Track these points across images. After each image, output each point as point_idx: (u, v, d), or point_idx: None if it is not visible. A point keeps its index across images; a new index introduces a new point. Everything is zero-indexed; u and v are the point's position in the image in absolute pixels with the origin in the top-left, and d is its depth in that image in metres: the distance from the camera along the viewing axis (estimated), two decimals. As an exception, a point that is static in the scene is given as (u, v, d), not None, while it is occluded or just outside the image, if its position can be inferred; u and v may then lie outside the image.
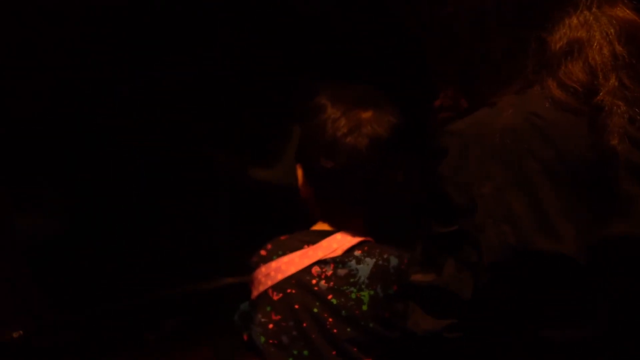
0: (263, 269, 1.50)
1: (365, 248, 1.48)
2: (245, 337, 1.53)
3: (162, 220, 2.82)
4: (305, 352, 1.44)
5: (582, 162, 1.10)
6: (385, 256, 1.47)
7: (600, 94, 1.11)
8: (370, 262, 1.46)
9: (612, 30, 1.15)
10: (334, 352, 1.43)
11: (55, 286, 2.54)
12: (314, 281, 1.45)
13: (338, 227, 1.52)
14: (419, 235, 1.39)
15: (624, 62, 1.13)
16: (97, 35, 2.54)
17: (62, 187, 2.71)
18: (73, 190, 2.76)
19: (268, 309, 1.48)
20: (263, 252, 1.53)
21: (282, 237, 1.54)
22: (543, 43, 1.16)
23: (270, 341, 1.46)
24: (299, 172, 1.57)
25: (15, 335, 2.00)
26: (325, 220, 1.54)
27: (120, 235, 2.72)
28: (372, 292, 1.44)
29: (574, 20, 1.16)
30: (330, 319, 1.43)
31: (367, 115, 1.47)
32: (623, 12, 1.17)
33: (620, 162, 1.10)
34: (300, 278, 1.46)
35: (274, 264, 1.49)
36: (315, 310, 1.44)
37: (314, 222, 1.56)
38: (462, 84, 1.34)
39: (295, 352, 1.44)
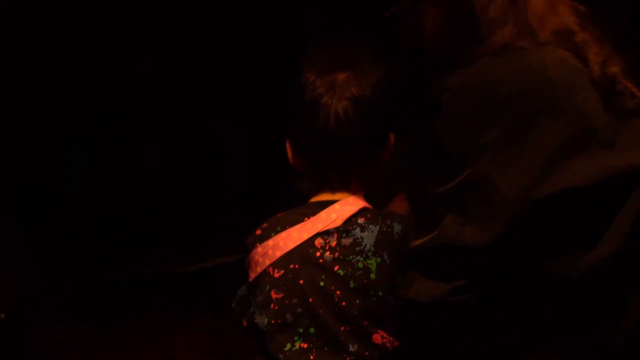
0: (260, 249, 1.43)
1: (368, 215, 1.42)
2: (244, 324, 1.45)
3: (157, 195, 2.83)
4: (312, 330, 1.36)
5: (576, 96, 1.18)
6: (388, 222, 1.41)
7: (578, 34, 1.24)
8: (374, 229, 1.40)
9: None
10: (342, 328, 1.36)
11: (44, 264, 2.54)
12: (317, 253, 1.39)
13: (335, 196, 1.46)
14: (412, 202, 1.38)
15: (579, 11, 1.28)
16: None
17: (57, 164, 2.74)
18: (68, 166, 2.78)
19: (267, 288, 1.40)
20: (259, 232, 1.46)
21: (279, 214, 1.47)
22: (524, 8, 1.26)
23: (273, 321, 1.38)
24: (287, 145, 1.51)
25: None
26: (321, 191, 1.48)
27: (109, 213, 2.73)
28: (379, 260, 1.38)
29: None
30: (338, 292, 1.36)
31: (343, 76, 1.43)
32: None
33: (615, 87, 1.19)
34: (303, 251, 1.39)
35: (270, 242, 1.42)
36: (322, 283, 1.37)
37: (311, 195, 1.50)
38: (439, 45, 1.35)
39: (300, 330, 1.37)
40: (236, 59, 2.98)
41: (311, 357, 1.36)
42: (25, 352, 2.47)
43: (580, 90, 1.18)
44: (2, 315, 1.94)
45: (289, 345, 1.37)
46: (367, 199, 1.47)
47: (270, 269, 1.40)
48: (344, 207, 1.42)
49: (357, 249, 1.38)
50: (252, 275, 1.44)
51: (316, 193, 1.49)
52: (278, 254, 1.40)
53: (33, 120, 2.73)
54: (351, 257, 1.38)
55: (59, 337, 2.55)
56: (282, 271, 1.39)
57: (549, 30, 1.25)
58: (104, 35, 2.81)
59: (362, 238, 1.39)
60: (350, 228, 1.40)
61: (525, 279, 1.17)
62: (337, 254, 1.38)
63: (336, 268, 1.37)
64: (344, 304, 1.36)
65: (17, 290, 2.57)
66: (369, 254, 1.38)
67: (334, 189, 1.46)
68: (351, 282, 1.36)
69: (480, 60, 1.22)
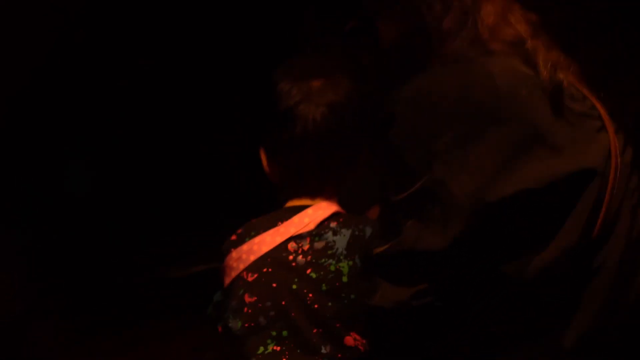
0: (234, 254, 1.45)
1: (340, 219, 1.44)
2: (220, 329, 1.46)
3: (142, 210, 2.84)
4: (285, 332, 1.38)
5: (523, 103, 1.19)
6: (360, 226, 1.43)
7: (528, 42, 1.27)
8: (346, 232, 1.41)
9: (506, 2, 1.32)
10: (314, 330, 1.37)
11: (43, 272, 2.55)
12: (290, 257, 1.40)
13: (310, 201, 1.47)
14: (379, 208, 1.40)
15: (530, 19, 1.32)
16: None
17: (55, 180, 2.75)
18: (68, 166, 2.79)
19: (241, 292, 1.42)
20: (233, 237, 1.48)
21: (253, 220, 1.49)
22: (474, 19, 1.29)
23: (247, 325, 1.40)
24: (262, 155, 1.53)
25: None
26: (296, 197, 1.49)
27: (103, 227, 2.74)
28: (350, 263, 1.39)
29: None
30: (311, 294, 1.38)
31: (318, 83, 1.44)
32: None
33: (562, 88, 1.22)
34: (276, 255, 1.41)
35: (245, 247, 1.43)
36: (294, 286, 1.38)
37: (286, 202, 1.51)
38: (395, 57, 1.39)
39: (273, 333, 1.38)
40: (236, 59, 2.99)
41: (283, 359, 1.37)
42: (25, 352, 2.49)
43: (527, 97, 1.20)
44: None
45: (261, 349, 1.39)
46: (341, 205, 1.48)
47: (245, 273, 1.42)
48: (317, 211, 1.43)
49: (330, 252, 1.40)
50: (227, 280, 1.45)
51: (291, 199, 1.50)
52: (252, 258, 1.41)
53: (33, 120, 2.76)
54: (323, 260, 1.39)
55: (59, 338, 2.58)
56: (255, 275, 1.41)
57: (500, 40, 1.27)
58: (104, 35, 2.83)
59: (334, 241, 1.40)
60: (322, 232, 1.41)
61: (483, 281, 1.19)
62: (309, 257, 1.39)
63: (309, 271, 1.39)
64: (316, 306, 1.37)
65: (17, 290, 2.59)
66: (341, 257, 1.39)
67: (308, 195, 1.48)
68: (323, 284, 1.38)
69: (430, 71, 1.26)
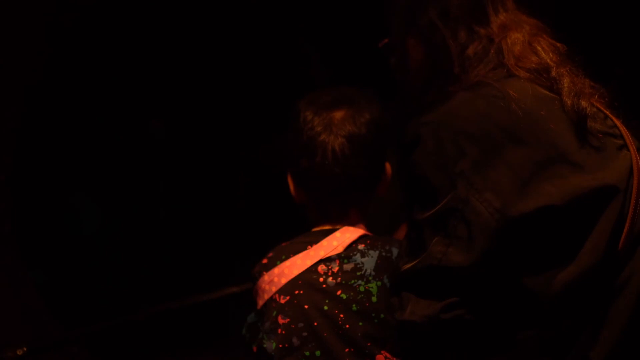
0: (266, 277, 1.50)
1: (368, 242, 1.49)
2: (254, 349, 1.51)
3: (165, 230, 2.85)
4: (317, 353, 1.43)
5: (543, 124, 1.24)
6: (387, 247, 1.48)
7: (554, 70, 1.30)
8: (374, 254, 1.47)
9: (534, 30, 1.37)
10: (347, 350, 1.42)
11: (60, 301, 2.54)
12: (321, 279, 1.45)
13: (337, 225, 1.53)
14: (405, 226, 1.43)
15: (557, 48, 1.36)
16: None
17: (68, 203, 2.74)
18: (78, 205, 2.78)
19: (275, 313, 1.46)
20: (264, 261, 1.53)
21: (283, 244, 1.54)
22: (499, 46, 1.34)
23: (281, 345, 1.44)
24: (289, 179, 1.59)
25: (19, 352, 1.97)
26: (323, 220, 1.55)
27: (122, 252, 2.74)
28: (379, 283, 1.44)
29: (505, 21, 1.36)
30: (342, 315, 1.42)
31: (339, 114, 1.51)
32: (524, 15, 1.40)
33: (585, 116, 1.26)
34: (307, 278, 1.46)
35: (276, 270, 1.48)
36: (326, 307, 1.43)
37: (314, 225, 1.57)
38: (421, 77, 1.42)
39: (307, 354, 1.43)
40: (235, 59, 3.00)
41: None
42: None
43: (546, 116, 1.25)
44: (24, 350, 1.98)
45: None
46: (367, 227, 1.53)
47: (277, 295, 1.47)
48: (345, 234, 1.48)
49: (358, 273, 1.44)
50: (260, 303, 1.51)
51: (318, 223, 1.56)
52: (283, 281, 1.46)
53: (33, 121, 2.75)
54: (353, 281, 1.44)
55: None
56: (287, 297, 1.46)
57: (525, 67, 1.32)
58: (103, 35, 2.83)
59: (362, 263, 1.45)
60: (351, 254, 1.46)
61: (510, 295, 1.23)
62: (339, 279, 1.44)
63: (339, 292, 1.43)
64: (347, 326, 1.42)
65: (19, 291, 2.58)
66: (370, 278, 1.44)
67: (333, 220, 1.54)
68: (353, 305, 1.43)
69: (452, 95, 1.30)
